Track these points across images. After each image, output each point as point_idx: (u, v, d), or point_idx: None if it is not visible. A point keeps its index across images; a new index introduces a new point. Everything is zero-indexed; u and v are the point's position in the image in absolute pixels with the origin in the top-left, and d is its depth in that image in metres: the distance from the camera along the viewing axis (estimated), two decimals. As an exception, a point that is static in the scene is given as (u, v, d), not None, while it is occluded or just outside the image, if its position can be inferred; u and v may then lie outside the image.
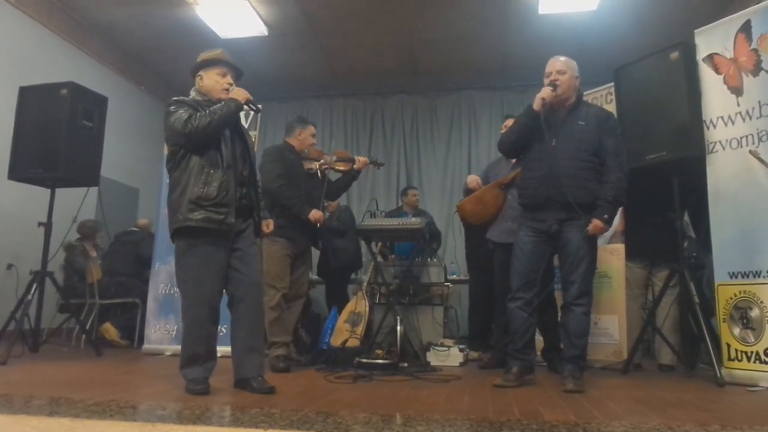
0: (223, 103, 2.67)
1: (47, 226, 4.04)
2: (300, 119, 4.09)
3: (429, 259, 4.89)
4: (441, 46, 6.93)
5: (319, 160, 3.92)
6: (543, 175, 2.96)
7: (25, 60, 5.61)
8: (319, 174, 3.90)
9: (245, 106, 2.76)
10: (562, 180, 2.88)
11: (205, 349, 2.60)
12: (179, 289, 2.67)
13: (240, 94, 2.72)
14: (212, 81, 2.75)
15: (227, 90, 2.74)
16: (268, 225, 3.06)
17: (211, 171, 2.60)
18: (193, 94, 2.78)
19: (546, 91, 2.97)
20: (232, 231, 2.65)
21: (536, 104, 2.97)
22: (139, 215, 6.34)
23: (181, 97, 2.71)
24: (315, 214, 3.62)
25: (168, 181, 2.76)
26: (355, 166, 3.96)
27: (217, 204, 2.58)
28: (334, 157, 3.96)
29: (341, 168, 3.98)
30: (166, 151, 2.81)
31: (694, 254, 4.27)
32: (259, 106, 2.95)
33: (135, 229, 5.71)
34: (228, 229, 2.62)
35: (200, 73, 2.77)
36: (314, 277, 6.12)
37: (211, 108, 2.64)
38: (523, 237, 3.04)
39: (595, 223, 2.89)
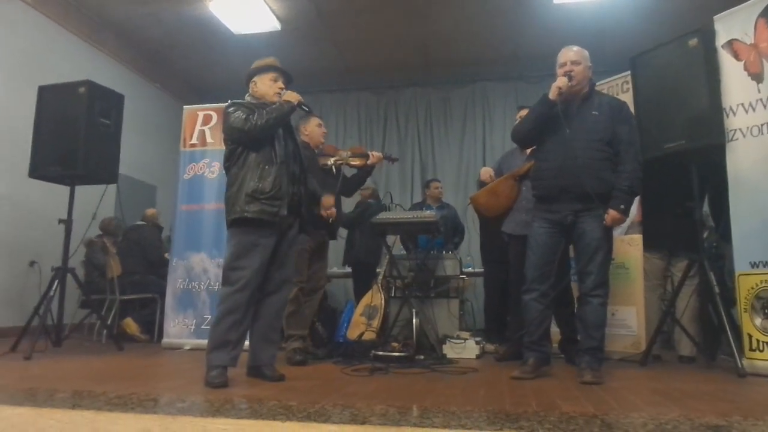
0: (277, 104, 2.86)
1: (67, 223, 4.10)
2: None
3: (444, 252, 4.87)
4: (454, 37, 6.88)
5: (333, 157, 3.95)
6: (558, 165, 2.93)
7: (42, 59, 5.70)
8: (334, 170, 3.91)
9: (298, 107, 2.94)
10: (577, 170, 2.85)
11: (236, 336, 2.68)
12: (223, 276, 2.76)
13: (293, 96, 2.91)
14: (265, 86, 2.93)
15: (279, 93, 2.92)
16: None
17: (266, 167, 2.77)
18: (248, 98, 2.94)
19: (562, 81, 2.93)
20: (284, 224, 2.81)
21: (552, 94, 2.94)
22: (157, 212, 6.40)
23: (238, 100, 2.88)
24: (327, 200, 3.54)
25: (226, 178, 2.89)
26: (369, 162, 3.97)
27: (272, 197, 2.73)
28: (349, 153, 3.98)
29: (356, 164, 4.00)
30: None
31: (714, 244, 4.20)
32: (311, 107, 3.13)
33: (141, 223, 5.69)
34: (280, 221, 2.77)
35: (254, 79, 2.97)
36: (337, 270, 6.14)
37: (267, 108, 2.82)
38: (538, 229, 3.02)
39: (612, 213, 2.86)
